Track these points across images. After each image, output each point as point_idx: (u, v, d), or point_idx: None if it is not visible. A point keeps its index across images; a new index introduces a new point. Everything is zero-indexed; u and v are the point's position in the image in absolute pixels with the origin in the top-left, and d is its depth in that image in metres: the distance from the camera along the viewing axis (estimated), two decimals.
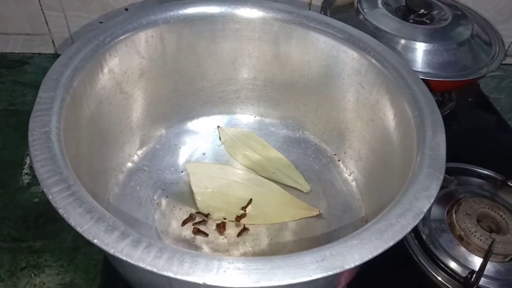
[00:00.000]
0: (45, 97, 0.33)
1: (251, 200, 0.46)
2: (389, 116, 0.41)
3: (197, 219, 0.44)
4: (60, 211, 0.26)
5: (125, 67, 0.43)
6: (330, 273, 0.25)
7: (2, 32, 0.66)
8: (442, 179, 0.31)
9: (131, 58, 0.43)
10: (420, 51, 0.53)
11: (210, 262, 0.25)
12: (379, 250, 0.26)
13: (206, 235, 0.43)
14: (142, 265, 0.24)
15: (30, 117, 0.32)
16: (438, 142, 0.34)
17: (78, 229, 0.25)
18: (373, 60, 0.42)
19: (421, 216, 0.28)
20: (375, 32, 0.54)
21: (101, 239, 0.25)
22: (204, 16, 0.46)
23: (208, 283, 0.24)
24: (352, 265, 0.25)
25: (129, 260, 0.24)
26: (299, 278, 0.24)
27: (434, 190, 0.30)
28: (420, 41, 0.53)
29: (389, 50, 0.43)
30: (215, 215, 0.44)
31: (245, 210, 0.45)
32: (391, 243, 0.27)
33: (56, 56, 0.69)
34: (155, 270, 0.24)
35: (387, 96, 0.42)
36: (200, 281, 0.24)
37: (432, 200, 0.29)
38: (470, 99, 0.67)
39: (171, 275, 0.24)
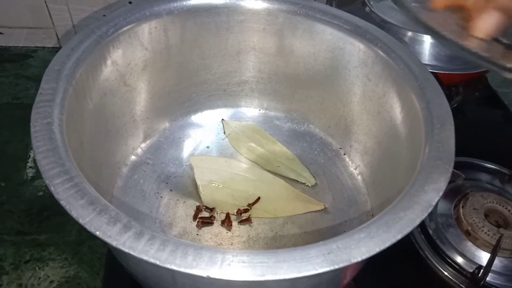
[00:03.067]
0: (47, 88, 0.32)
1: (259, 198, 0.45)
2: (396, 109, 0.41)
3: (204, 212, 0.44)
4: (62, 202, 0.26)
5: (129, 59, 0.43)
6: (336, 266, 0.24)
7: (6, 25, 0.66)
8: (451, 172, 0.30)
9: (134, 50, 0.43)
10: (427, 43, 0.52)
11: (214, 255, 0.24)
12: (387, 244, 0.26)
13: (211, 223, 0.43)
14: (145, 257, 0.24)
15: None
16: (447, 134, 0.33)
17: (80, 221, 0.25)
18: (380, 52, 0.42)
19: (430, 209, 0.28)
20: (382, 24, 0.53)
21: (104, 231, 0.25)
22: (208, 7, 0.45)
23: (212, 276, 0.23)
24: (359, 259, 0.25)
25: (131, 253, 0.24)
26: (305, 272, 0.24)
27: (443, 183, 0.29)
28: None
29: (397, 42, 0.42)
30: (219, 209, 0.44)
31: (251, 207, 0.44)
32: (399, 236, 0.26)
33: (59, 49, 0.69)
34: (158, 262, 0.24)
35: (394, 88, 0.41)
36: (204, 274, 0.23)
37: (441, 193, 0.29)
38: (477, 93, 0.66)
39: (175, 268, 0.23)
